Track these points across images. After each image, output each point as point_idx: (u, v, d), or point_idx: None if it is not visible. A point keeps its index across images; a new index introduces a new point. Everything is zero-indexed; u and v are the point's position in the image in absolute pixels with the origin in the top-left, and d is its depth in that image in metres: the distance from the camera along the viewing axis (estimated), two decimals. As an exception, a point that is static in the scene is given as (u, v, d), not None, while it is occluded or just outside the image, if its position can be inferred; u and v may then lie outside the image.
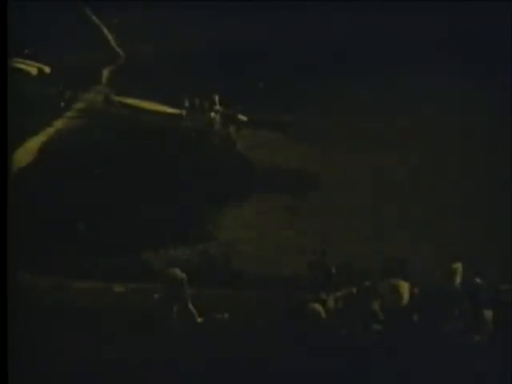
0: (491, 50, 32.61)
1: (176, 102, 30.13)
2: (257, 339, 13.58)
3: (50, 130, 26.89)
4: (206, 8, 40.26)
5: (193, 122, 28.52)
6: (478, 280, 14.17)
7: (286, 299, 14.90)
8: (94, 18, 44.41)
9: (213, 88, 29.43)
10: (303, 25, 38.84)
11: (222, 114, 28.77)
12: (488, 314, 13.37)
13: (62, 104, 29.49)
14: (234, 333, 14.19)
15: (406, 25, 36.98)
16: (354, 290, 14.29)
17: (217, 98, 29.10)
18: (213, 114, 28.45)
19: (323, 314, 13.58)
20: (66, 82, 31.65)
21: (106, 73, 36.60)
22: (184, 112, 29.77)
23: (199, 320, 14.81)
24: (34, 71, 34.09)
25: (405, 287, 14.09)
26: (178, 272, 14.84)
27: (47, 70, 34.80)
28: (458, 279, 14.60)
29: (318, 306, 13.67)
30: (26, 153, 24.67)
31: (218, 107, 28.84)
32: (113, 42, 41.90)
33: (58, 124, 27.72)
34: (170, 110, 30.57)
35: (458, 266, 14.80)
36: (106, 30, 43.27)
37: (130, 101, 31.30)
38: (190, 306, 14.80)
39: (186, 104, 29.68)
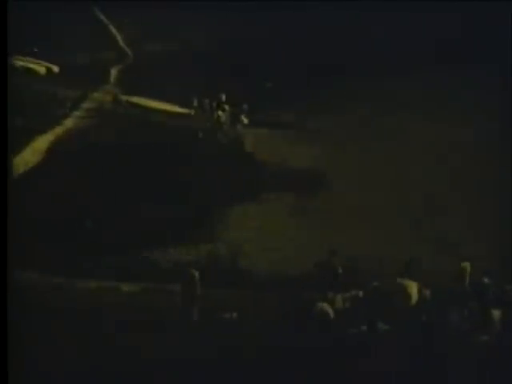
0: (491, 50, 32.65)
1: (185, 102, 30.18)
2: (265, 339, 13.56)
3: (59, 130, 26.90)
4: (215, 8, 40.38)
5: (201, 121, 28.52)
6: (486, 280, 14.15)
7: (293, 299, 14.87)
8: (102, 17, 44.55)
9: (221, 88, 29.49)
10: (303, 25, 38.96)
11: (231, 113, 28.78)
12: (496, 313, 13.32)
13: (69, 104, 29.52)
14: (242, 332, 14.18)
15: (406, 25, 37.10)
16: (362, 291, 14.25)
17: (224, 98, 29.14)
18: (221, 114, 28.44)
19: (332, 314, 13.52)
20: (74, 82, 31.73)
21: (114, 72, 36.69)
22: (193, 111, 29.80)
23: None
24: (42, 71, 34.19)
25: (413, 287, 14.06)
26: (194, 271, 14.97)
27: (56, 69, 34.90)
28: (467, 279, 14.58)
29: (326, 306, 13.59)
30: (33, 152, 24.69)
31: (226, 107, 28.84)
32: (121, 42, 42.03)
33: (68, 123, 27.74)
34: (178, 110, 30.61)
35: (467, 265, 14.78)
36: (114, 30, 43.40)
37: (138, 100, 31.33)
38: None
39: (195, 103, 29.72)
